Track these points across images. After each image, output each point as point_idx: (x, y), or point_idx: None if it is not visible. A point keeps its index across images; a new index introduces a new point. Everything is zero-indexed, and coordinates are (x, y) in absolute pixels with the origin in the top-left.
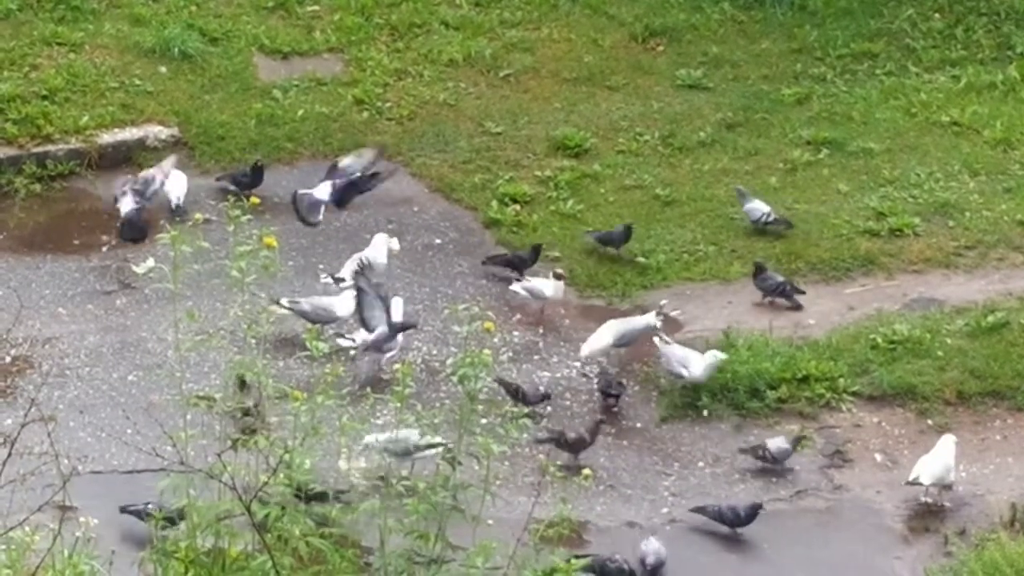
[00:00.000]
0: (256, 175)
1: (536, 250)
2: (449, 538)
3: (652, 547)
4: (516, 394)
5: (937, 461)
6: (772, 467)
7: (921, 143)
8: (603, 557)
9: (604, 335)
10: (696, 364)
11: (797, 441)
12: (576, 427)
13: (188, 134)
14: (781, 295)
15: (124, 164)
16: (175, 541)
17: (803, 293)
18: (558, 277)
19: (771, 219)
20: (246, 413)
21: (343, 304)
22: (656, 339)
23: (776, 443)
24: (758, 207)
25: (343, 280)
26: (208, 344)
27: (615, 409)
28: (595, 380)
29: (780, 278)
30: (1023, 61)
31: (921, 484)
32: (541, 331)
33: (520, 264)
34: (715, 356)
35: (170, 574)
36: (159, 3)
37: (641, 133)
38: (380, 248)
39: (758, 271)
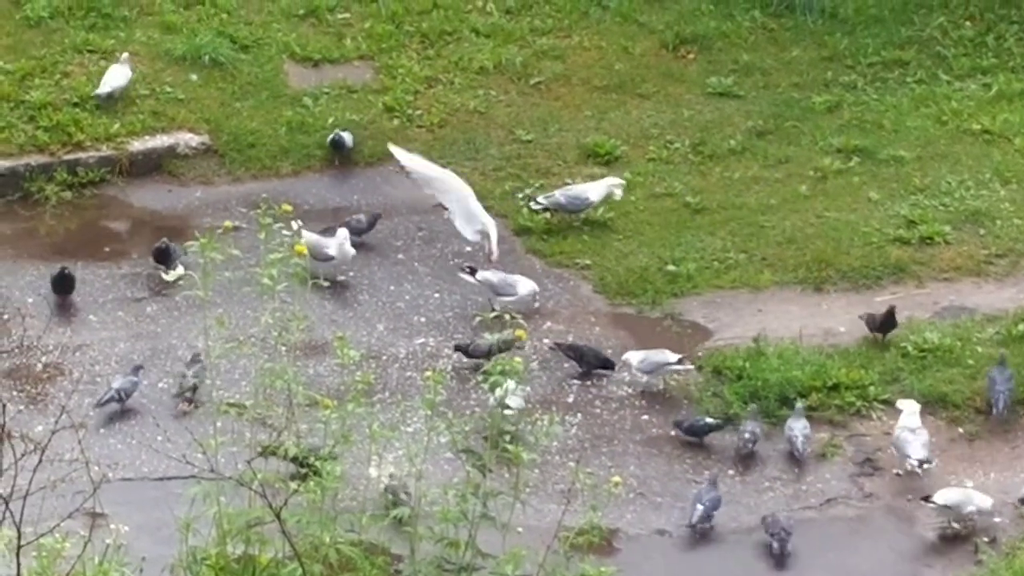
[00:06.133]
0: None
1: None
2: (479, 545)
3: (800, 425)
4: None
5: (956, 490)
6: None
7: (952, 151)
8: None
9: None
10: (523, 284)
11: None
12: None
13: (219, 141)
14: None
15: (155, 172)
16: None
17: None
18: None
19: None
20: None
21: (596, 190)
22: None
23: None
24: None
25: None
26: (238, 351)
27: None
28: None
29: None
30: None
31: (934, 503)
32: (570, 339)
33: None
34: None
35: None
36: (190, 11)
37: (671, 141)
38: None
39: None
